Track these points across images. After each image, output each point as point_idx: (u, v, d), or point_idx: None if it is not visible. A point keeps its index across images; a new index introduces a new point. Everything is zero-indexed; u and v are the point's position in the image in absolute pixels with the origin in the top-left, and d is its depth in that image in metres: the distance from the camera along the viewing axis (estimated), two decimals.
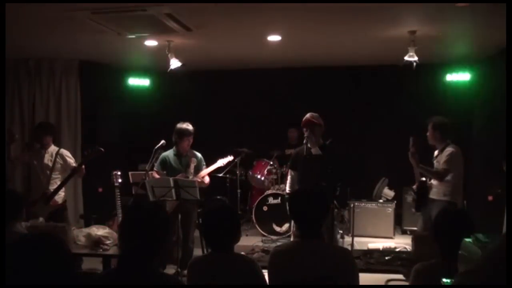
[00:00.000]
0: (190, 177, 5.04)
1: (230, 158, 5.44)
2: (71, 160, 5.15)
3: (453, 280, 1.99)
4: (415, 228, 6.65)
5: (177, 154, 5.17)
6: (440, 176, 4.67)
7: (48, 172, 5.01)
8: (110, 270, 2.22)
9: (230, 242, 2.63)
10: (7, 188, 5.17)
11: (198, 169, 5.16)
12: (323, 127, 4.81)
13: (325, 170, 4.24)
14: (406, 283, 4.51)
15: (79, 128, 6.77)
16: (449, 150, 4.73)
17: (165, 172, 5.09)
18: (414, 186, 4.87)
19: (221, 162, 5.34)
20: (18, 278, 1.51)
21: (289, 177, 4.94)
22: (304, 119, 4.75)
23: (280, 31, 5.21)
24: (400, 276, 4.90)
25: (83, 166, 4.97)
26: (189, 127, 5.13)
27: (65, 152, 5.17)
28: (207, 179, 5.19)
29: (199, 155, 5.26)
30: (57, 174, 5.08)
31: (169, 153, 5.19)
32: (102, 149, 4.89)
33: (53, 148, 5.13)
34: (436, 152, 4.90)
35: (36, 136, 5.20)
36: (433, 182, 4.77)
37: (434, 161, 4.90)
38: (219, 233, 2.61)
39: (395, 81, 7.07)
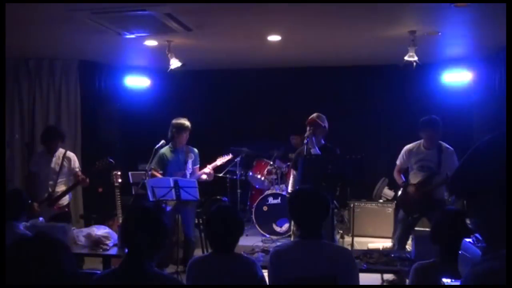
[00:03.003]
0: (188, 173, 5.10)
1: (229, 156, 5.45)
2: (76, 164, 5.15)
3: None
4: (415, 228, 6.65)
5: (174, 150, 5.19)
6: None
7: (54, 176, 4.99)
8: (110, 270, 2.22)
9: (234, 243, 2.64)
10: (12, 188, 5.15)
11: (194, 164, 5.24)
12: (327, 129, 4.84)
13: (325, 170, 4.25)
14: (403, 283, 4.50)
15: (79, 128, 6.77)
16: (450, 148, 4.76)
17: (161, 172, 5.11)
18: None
19: (220, 161, 5.36)
20: (18, 278, 1.51)
21: (291, 177, 4.98)
22: (310, 117, 4.80)
23: (280, 31, 5.21)
24: (397, 276, 4.87)
25: (87, 179, 4.97)
26: (187, 122, 5.19)
27: (71, 155, 5.14)
28: (204, 177, 5.22)
29: (195, 150, 5.31)
30: (63, 177, 5.06)
31: (166, 150, 5.21)
32: (113, 161, 4.90)
33: (60, 151, 5.09)
34: (423, 151, 4.87)
35: (47, 138, 5.09)
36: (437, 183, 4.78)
37: (420, 162, 4.88)
38: (223, 235, 2.61)
39: (395, 81, 7.07)
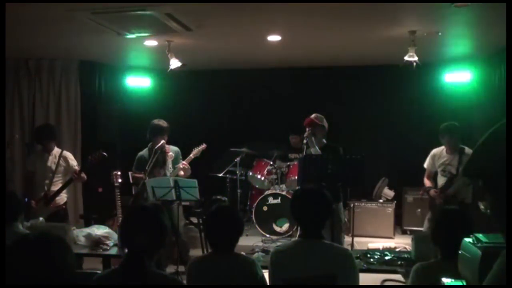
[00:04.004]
0: (169, 172, 5.06)
1: (202, 146, 5.36)
2: (74, 163, 5.15)
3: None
4: (415, 228, 6.66)
5: (153, 151, 5.11)
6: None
7: (51, 174, 4.99)
8: (110, 270, 2.22)
9: (234, 243, 2.64)
10: (8, 190, 5.15)
11: (176, 163, 5.15)
12: (326, 129, 4.84)
13: (325, 170, 4.25)
14: (403, 283, 4.50)
15: (79, 128, 6.77)
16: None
17: (142, 173, 5.04)
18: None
19: (194, 154, 5.25)
20: (20, 277, 1.51)
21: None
22: (307, 118, 4.80)
23: (280, 31, 5.21)
24: (396, 276, 4.89)
25: (83, 175, 4.96)
26: (164, 124, 5.11)
27: (68, 155, 5.15)
28: (181, 173, 5.14)
29: (175, 148, 5.24)
30: (60, 176, 5.05)
31: (145, 152, 5.18)
32: (105, 154, 4.89)
33: (56, 151, 5.10)
34: (445, 155, 4.90)
35: (40, 138, 5.12)
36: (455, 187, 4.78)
37: (442, 166, 4.91)
38: (223, 235, 2.62)
39: (395, 81, 7.07)
